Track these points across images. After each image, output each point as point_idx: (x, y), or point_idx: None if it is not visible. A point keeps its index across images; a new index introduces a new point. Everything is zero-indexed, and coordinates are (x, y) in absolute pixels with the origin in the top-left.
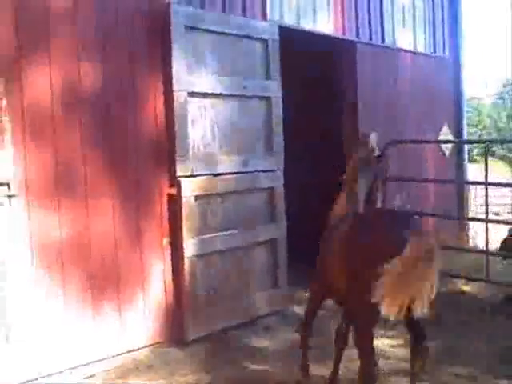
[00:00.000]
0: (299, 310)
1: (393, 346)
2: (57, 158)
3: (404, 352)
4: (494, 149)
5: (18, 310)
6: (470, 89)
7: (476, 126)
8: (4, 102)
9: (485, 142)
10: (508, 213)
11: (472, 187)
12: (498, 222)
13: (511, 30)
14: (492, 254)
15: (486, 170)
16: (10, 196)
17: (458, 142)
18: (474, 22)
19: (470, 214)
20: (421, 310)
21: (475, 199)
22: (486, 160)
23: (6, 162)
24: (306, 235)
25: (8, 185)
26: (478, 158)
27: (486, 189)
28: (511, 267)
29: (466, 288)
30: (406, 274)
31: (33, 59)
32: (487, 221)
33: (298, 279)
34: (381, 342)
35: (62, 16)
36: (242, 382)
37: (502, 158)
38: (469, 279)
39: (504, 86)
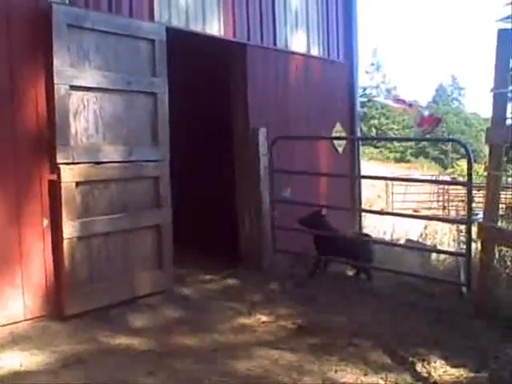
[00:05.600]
0: (183, 289)
1: (263, 322)
2: None
3: (270, 327)
4: (427, 150)
5: None
6: (404, 93)
7: (411, 127)
8: None
9: (351, 139)
10: (426, 209)
11: (390, 185)
12: (373, 211)
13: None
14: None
15: (359, 163)
16: None
17: (337, 138)
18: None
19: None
20: None
21: (392, 196)
22: (357, 154)
23: None
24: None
25: None
26: (412, 158)
27: (359, 182)
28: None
29: (351, 272)
30: None
31: None
32: (361, 210)
33: (183, 261)
34: (253, 318)
35: None
36: (111, 351)
37: (434, 158)
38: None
39: (436, 91)
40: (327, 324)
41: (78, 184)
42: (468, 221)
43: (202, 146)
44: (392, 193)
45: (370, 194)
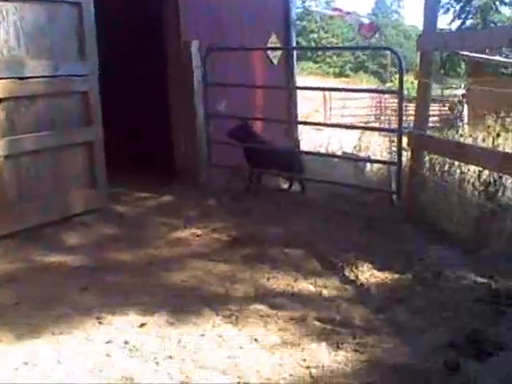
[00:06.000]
0: (118, 207)
1: (198, 235)
2: None
3: (205, 240)
4: (367, 64)
5: None
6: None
7: (351, 40)
8: None
9: (286, 49)
10: (363, 123)
11: (327, 99)
12: (308, 123)
13: None
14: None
15: (292, 74)
16: None
17: (271, 48)
18: None
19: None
20: None
21: (330, 110)
22: (292, 65)
23: None
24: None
25: None
26: (351, 73)
27: (295, 94)
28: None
29: (285, 186)
30: None
31: None
32: (296, 122)
33: (118, 181)
34: (188, 232)
35: None
36: (44, 269)
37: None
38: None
39: (375, 3)
40: (261, 235)
41: (1, 100)
42: (398, 130)
43: (134, 60)
44: (330, 108)
45: (308, 108)
